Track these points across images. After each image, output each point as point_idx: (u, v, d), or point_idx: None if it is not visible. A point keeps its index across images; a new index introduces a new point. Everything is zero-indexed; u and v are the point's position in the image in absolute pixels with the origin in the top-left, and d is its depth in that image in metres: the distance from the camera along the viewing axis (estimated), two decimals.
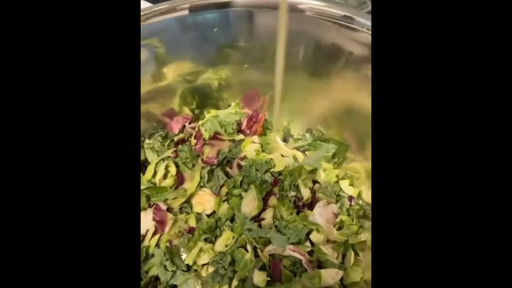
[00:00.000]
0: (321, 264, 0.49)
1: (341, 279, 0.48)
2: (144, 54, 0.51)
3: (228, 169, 0.56)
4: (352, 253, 0.51)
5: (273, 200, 0.51)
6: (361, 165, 0.62)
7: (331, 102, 0.65)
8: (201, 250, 0.46)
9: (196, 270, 0.46)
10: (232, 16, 0.50)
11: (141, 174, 0.57)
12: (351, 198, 0.57)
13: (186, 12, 0.49)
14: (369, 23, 0.46)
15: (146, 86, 0.59)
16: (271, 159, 0.55)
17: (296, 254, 0.45)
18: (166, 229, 0.50)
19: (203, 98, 0.69)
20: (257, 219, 0.50)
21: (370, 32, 0.47)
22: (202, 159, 0.56)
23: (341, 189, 0.57)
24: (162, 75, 0.62)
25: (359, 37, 0.47)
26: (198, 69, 0.58)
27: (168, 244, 0.48)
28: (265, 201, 0.51)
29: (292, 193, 0.52)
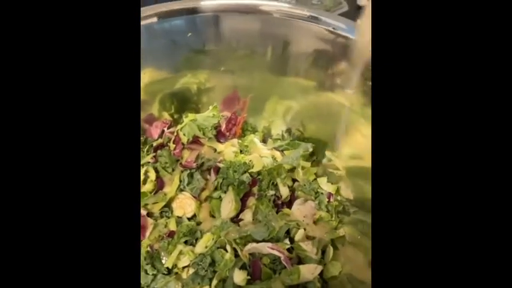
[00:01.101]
0: (300, 261, 0.50)
1: (321, 274, 0.49)
2: None
3: (207, 175, 0.57)
4: (331, 248, 0.52)
5: (251, 201, 0.52)
6: (337, 161, 0.64)
7: (306, 101, 0.66)
8: (180, 253, 0.46)
9: (176, 273, 0.46)
10: (200, 22, 0.51)
11: None
12: (329, 194, 0.58)
13: (155, 19, 0.49)
14: (335, 23, 0.47)
15: None
16: (250, 160, 0.56)
17: (275, 252, 0.46)
18: (147, 234, 0.50)
19: (182, 103, 0.69)
20: (236, 220, 0.50)
21: (337, 31, 0.48)
22: (181, 163, 0.56)
23: (319, 186, 0.58)
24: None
25: (324, 35, 0.48)
26: (170, 76, 0.59)
27: (148, 249, 0.48)
28: (243, 202, 0.52)
29: (271, 192, 0.53)
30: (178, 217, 0.53)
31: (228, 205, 0.50)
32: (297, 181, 0.58)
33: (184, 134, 0.60)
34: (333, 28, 0.47)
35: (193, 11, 0.50)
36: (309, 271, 0.46)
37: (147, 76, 0.60)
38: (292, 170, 0.59)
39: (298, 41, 0.50)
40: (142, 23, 0.47)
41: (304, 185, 0.57)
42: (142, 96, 0.63)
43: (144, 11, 0.48)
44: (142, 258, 0.47)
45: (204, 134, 0.60)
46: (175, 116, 0.69)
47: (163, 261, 0.47)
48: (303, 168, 0.59)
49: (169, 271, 0.46)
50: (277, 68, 0.56)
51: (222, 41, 0.51)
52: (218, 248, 0.47)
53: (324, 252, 0.52)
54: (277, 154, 0.61)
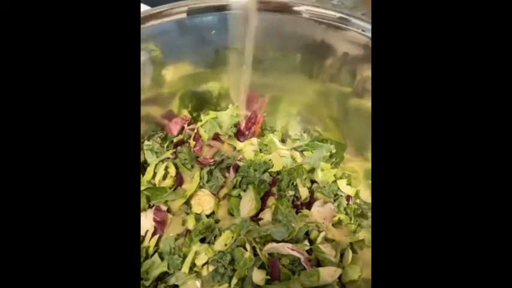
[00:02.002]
0: (319, 263, 0.49)
1: (339, 278, 0.48)
2: (142, 57, 0.52)
3: (226, 173, 0.56)
4: (350, 252, 0.51)
5: (271, 200, 0.52)
6: (358, 165, 0.63)
7: (328, 103, 0.66)
8: (196, 253, 0.46)
9: (196, 271, 0.46)
10: (230, 19, 0.51)
11: (141, 176, 0.58)
12: (348, 197, 0.57)
13: (184, 15, 0.49)
14: (364, 24, 0.47)
15: (145, 89, 0.59)
16: (270, 159, 0.56)
17: (295, 253, 0.45)
18: (166, 230, 0.50)
19: (202, 102, 0.70)
20: (255, 219, 0.50)
21: (366, 33, 0.48)
22: (198, 160, 0.56)
23: (339, 188, 0.57)
24: (161, 78, 0.63)
25: (354, 38, 0.48)
26: (196, 71, 0.59)
27: (168, 245, 0.48)
28: (263, 201, 0.51)
29: (291, 192, 0.53)
30: (196, 214, 0.53)
31: (248, 204, 0.50)
32: (316, 182, 0.58)
33: (205, 131, 0.60)
34: (362, 30, 0.47)
35: (223, 8, 0.50)
36: (328, 274, 0.46)
37: (170, 72, 0.60)
38: (312, 171, 0.58)
39: (326, 43, 0.50)
40: (172, 18, 0.47)
41: (324, 186, 0.56)
42: (165, 91, 0.64)
43: (174, 6, 0.48)
44: (162, 254, 0.47)
45: (224, 132, 0.60)
46: (194, 114, 0.69)
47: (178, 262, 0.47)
48: (322, 169, 0.59)
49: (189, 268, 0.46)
50: (304, 70, 0.56)
51: (249, 40, 0.51)
52: (238, 246, 0.47)
53: (342, 255, 0.52)
54: (297, 154, 0.61)
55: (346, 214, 0.55)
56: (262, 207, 0.51)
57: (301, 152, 0.63)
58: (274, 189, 0.53)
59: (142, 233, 0.51)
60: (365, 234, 0.53)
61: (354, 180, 0.62)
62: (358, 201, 0.58)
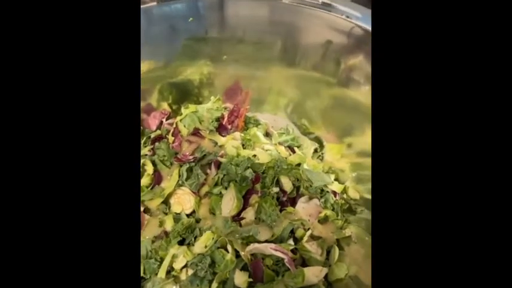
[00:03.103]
0: (304, 262, 0.47)
1: (325, 276, 0.46)
2: None
3: (207, 170, 0.54)
4: (337, 249, 0.49)
5: (254, 198, 0.49)
6: (345, 160, 0.61)
7: (312, 93, 0.63)
8: (174, 256, 0.44)
9: (174, 276, 0.44)
10: (202, 6, 0.47)
11: None
12: (335, 193, 0.55)
13: (155, 3, 0.45)
14: (349, 10, 0.44)
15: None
16: (254, 155, 0.53)
17: (278, 253, 0.43)
18: (142, 232, 0.47)
19: (182, 94, 0.66)
20: (237, 218, 0.48)
21: (351, 19, 0.45)
22: (177, 157, 0.53)
23: (325, 184, 0.55)
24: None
25: (338, 25, 0.45)
26: (170, 64, 0.56)
27: (144, 248, 0.46)
28: (245, 199, 0.49)
29: (275, 189, 0.50)
30: (176, 214, 0.50)
31: (229, 202, 0.48)
32: (302, 179, 0.56)
33: (184, 126, 0.56)
34: (347, 16, 0.44)
35: None
36: (313, 274, 0.44)
37: (146, 64, 0.57)
38: (298, 166, 0.56)
39: (309, 30, 0.47)
40: (142, 6, 0.44)
41: (310, 183, 0.54)
42: (141, 85, 0.60)
43: None
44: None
45: (205, 126, 0.57)
46: (174, 107, 0.66)
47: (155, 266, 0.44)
48: (308, 165, 0.57)
49: (166, 272, 0.44)
50: (285, 59, 0.53)
51: (226, 28, 0.47)
52: (218, 248, 0.44)
53: (328, 253, 0.50)
54: (282, 149, 0.58)
55: (333, 210, 0.53)
56: (245, 205, 0.48)
57: (287, 146, 0.60)
58: (257, 186, 0.51)
59: None
60: (352, 230, 0.52)
61: (340, 175, 0.60)
62: (345, 196, 0.57)
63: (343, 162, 0.61)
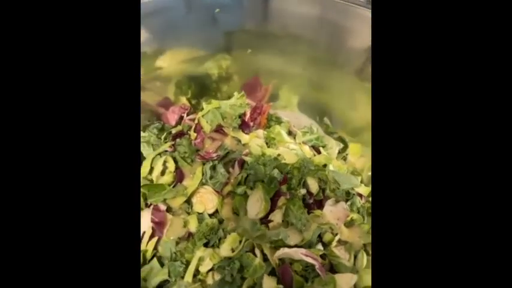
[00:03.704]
0: (333, 267, 0.46)
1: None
2: (142, 35, 0.45)
3: (230, 168, 0.52)
4: (364, 254, 0.48)
5: (282, 201, 0.47)
6: (363, 158, 0.60)
7: (337, 94, 0.61)
8: (200, 259, 0.42)
9: (200, 279, 0.42)
10: None
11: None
12: (361, 196, 0.54)
13: None
14: None
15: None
16: (279, 154, 0.51)
17: (309, 259, 0.42)
18: (166, 232, 0.45)
19: (201, 88, 0.64)
20: (265, 221, 0.46)
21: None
22: (199, 154, 0.51)
23: (352, 187, 0.53)
24: (158, 61, 0.57)
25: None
26: (198, 55, 0.53)
27: (168, 249, 0.44)
28: (273, 201, 0.47)
29: (302, 191, 0.48)
30: (198, 213, 0.48)
31: (256, 204, 0.46)
32: (328, 181, 0.54)
33: (206, 122, 0.54)
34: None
35: None
36: (344, 281, 0.42)
37: (167, 54, 0.54)
38: (323, 167, 0.54)
39: (353, 31, 0.44)
40: None
41: (337, 185, 0.52)
42: (159, 75, 0.58)
43: None
44: (162, 260, 0.43)
45: (227, 123, 0.55)
46: (193, 102, 0.64)
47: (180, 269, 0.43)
48: (334, 166, 0.55)
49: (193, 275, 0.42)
50: (325, 58, 0.50)
51: (266, 22, 0.45)
52: (246, 251, 0.42)
53: (355, 257, 0.48)
54: (306, 149, 0.56)
55: (359, 213, 0.52)
56: (272, 207, 0.46)
57: (311, 146, 0.58)
58: (283, 188, 0.49)
59: None
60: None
61: (364, 176, 0.59)
62: (370, 199, 0.55)
63: (362, 162, 0.60)
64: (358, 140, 0.61)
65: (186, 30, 0.48)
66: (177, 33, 0.48)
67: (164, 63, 0.57)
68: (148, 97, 0.61)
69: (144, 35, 0.45)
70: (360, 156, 0.61)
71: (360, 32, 0.44)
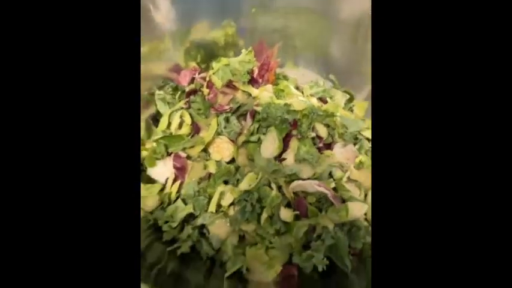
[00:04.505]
0: (344, 202, 0.49)
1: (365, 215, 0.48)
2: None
3: (242, 121, 0.55)
4: None
5: (293, 141, 0.50)
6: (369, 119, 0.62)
7: (342, 50, 0.64)
8: (221, 194, 0.45)
9: (223, 211, 0.45)
10: None
11: (154, 127, 0.56)
12: (369, 140, 0.56)
13: None
14: None
15: (144, 43, 0.56)
16: (289, 103, 0.54)
17: (322, 189, 0.45)
18: (187, 175, 0.49)
19: (209, 53, 0.67)
20: (279, 159, 0.49)
21: None
22: (213, 107, 0.54)
23: (359, 132, 0.56)
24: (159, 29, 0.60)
25: None
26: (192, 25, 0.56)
27: (191, 188, 0.47)
28: (285, 142, 0.50)
29: (312, 134, 0.51)
30: (216, 161, 0.52)
31: (270, 145, 0.49)
32: (337, 126, 0.56)
33: (218, 78, 0.57)
34: None
35: None
36: (357, 208, 0.45)
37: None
38: (331, 115, 0.57)
39: None
40: None
41: (345, 130, 0.55)
42: (166, 45, 0.61)
43: None
44: (187, 197, 0.46)
45: (237, 78, 0.57)
46: (203, 66, 0.67)
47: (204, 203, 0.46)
48: (341, 114, 0.57)
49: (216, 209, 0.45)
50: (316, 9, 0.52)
51: None
52: (263, 185, 0.45)
53: (366, 196, 0.51)
54: (314, 100, 0.59)
55: (367, 156, 0.54)
56: (284, 147, 0.49)
57: (319, 98, 0.61)
58: (294, 132, 0.52)
59: (162, 180, 0.50)
60: None
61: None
62: None
63: (368, 122, 0.62)
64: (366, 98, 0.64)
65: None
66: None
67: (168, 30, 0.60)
68: (156, 66, 0.64)
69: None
70: (365, 113, 0.64)
71: None
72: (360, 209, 0.45)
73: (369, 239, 0.45)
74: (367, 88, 0.64)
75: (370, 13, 0.50)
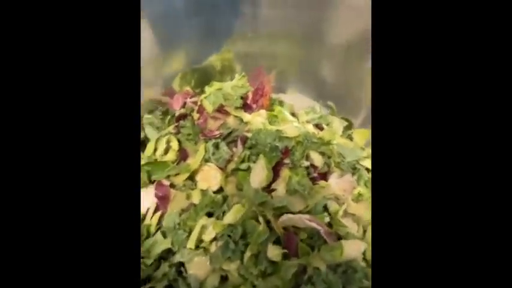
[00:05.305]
0: (340, 238, 0.44)
1: (363, 254, 0.43)
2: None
3: (233, 148, 0.52)
4: None
5: (284, 171, 0.47)
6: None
7: (339, 75, 0.62)
8: (203, 227, 0.41)
9: (203, 247, 0.41)
10: None
11: (141, 152, 0.53)
12: (369, 170, 0.52)
13: None
14: None
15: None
16: (281, 130, 0.51)
17: (313, 224, 0.40)
18: (169, 205, 0.45)
19: (205, 77, 0.66)
20: (267, 190, 0.45)
21: None
22: (203, 133, 0.52)
23: (357, 161, 0.52)
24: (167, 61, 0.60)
25: None
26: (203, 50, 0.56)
27: (172, 221, 0.43)
28: (275, 171, 0.46)
29: (306, 163, 0.48)
30: (202, 190, 0.48)
31: (259, 174, 0.45)
32: (333, 154, 0.53)
33: (209, 103, 0.55)
34: None
35: None
36: (353, 247, 0.40)
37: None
38: (328, 143, 0.53)
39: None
40: None
41: (342, 159, 0.51)
42: (165, 71, 0.60)
43: None
44: (166, 232, 0.42)
45: (230, 103, 0.55)
46: (197, 90, 0.65)
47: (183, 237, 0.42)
48: (338, 142, 0.54)
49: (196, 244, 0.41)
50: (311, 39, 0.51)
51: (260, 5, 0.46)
52: (250, 219, 0.42)
53: (365, 232, 0.46)
54: (310, 127, 0.56)
55: (367, 187, 0.50)
56: (275, 177, 0.46)
57: (315, 125, 0.58)
58: (287, 160, 0.48)
59: (143, 210, 0.46)
60: None
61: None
62: None
63: (368, 150, 0.59)
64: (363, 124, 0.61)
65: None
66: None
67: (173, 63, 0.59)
68: (153, 92, 0.62)
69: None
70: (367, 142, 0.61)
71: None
72: (357, 247, 0.41)
73: (367, 283, 0.40)
74: (363, 114, 0.61)
75: (369, 36, 0.50)
